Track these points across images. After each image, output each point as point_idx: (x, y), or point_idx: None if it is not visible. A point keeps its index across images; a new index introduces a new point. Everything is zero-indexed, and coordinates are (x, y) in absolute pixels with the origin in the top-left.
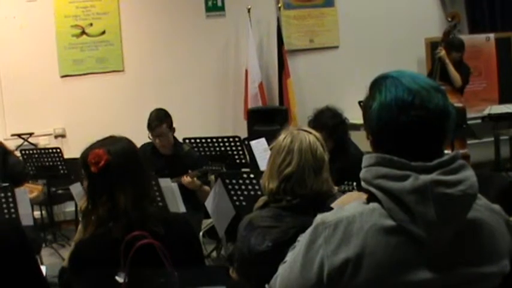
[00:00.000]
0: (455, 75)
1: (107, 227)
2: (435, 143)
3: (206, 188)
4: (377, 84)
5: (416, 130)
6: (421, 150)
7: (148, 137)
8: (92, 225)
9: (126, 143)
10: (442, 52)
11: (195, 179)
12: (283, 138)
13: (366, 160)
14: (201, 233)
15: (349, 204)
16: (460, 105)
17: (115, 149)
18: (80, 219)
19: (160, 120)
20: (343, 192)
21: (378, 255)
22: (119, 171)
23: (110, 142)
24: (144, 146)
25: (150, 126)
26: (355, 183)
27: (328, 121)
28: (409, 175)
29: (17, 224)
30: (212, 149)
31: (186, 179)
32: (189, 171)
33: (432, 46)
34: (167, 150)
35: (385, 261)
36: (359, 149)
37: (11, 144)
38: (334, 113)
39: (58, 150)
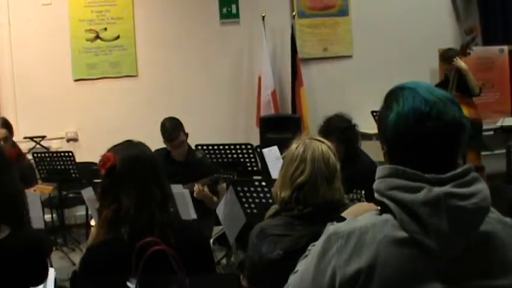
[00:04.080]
0: (475, 84)
1: (118, 232)
2: (450, 155)
3: (216, 199)
4: (394, 95)
5: (432, 141)
6: (436, 161)
7: (167, 148)
8: (102, 227)
9: (138, 148)
10: (462, 63)
11: (206, 189)
12: (296, 147)
13: (379, 171)
14: (211, 240)
15: (361, 215)
16: (476, 117)
17: (124, 153)
18: (91, 223)
19: (177, 130)
20: (351, 200)
21: (390, 266)
22: (123, 174)
23: (123, 147)
24: (158, 151)
25: (170, 138)
26: (363, 192)
27: (338, 125)
28: (422, 187)
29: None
30: (224, 156)
31: (196, 190)
32: (196, 184)
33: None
34: (180, 156)
35: (397, 273)
36: (369, 157)
37: (24, 147)
38: (343, 118)
39: (70, 154)
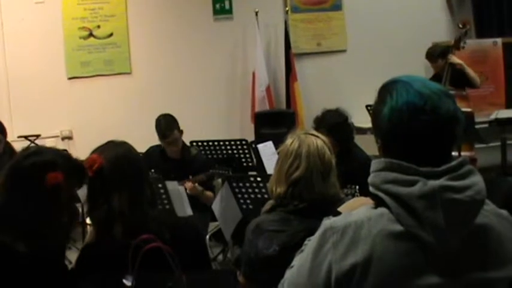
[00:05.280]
0: (475, 76)
1: (112, 232)
2: (444, 148)
3: (208, 193)
4: (387, 89)
5: (426, 135)
6: (430, 155)
7: (162, 145)
8: (93, 228)
9: (123, 147)
10: (456, 59)
11: (196, 185)
12: (291, 142)
13: (374, 165)
14: (207, 236)
15: (357, 209)
16: (468, 110)
17: (110, 153)
18: (87, 221)
19: (171, 128)
20: (346, 195)
21: (386, 260)
22: (112, 174)
23: (108, 147)
24: (153, 148)
25: (164, 136)
26: (357, 187)
27: (329, 119)
28: (417, 180)
29: None
30: (219, 152)
31: (188, 185)
32: (190, 176)
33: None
34: (175, 153)
35: (393, 266)
36: (364, 152)
37: (18, 146)
38: (338, 114)
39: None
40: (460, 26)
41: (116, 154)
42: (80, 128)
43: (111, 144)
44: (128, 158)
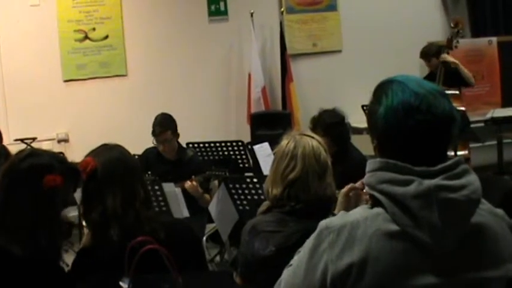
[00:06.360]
0: (468, 74)
1: (107, 234)
2: (440, 148)
3: (207, 196)
4: (383, 89)
5: (422, 134)
6: (426, 154)
7: (152, 142)
8: (89, 231)
9: (117, 150)
10: (449, 57)
11: (198, 185)
12: (286, 143)
13: (370, 165)
14: (204, 238)
15: (354, 209)
16: (461, 109)
17: (103, 156)
18: (84, 224)
19: (164, 126)
20: None
21: (382, 260)
22: (106, 176)
23: (100, 150)
24: (149, 150)
25: (154, 132)
26: None
27: (326, 119)
28: (412, 180)
29: None
30: (215, 153)
31: (189, 184)
32: (193, 176)
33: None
34: (171, 155)
35: (389, 266)
36: (360, 152)
37: (14, 149)
38: (334, 114)
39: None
40: (452, 25)
41: (109, 157)
42: (76, 130)
43: (104, 148)
44: (121, 161)
